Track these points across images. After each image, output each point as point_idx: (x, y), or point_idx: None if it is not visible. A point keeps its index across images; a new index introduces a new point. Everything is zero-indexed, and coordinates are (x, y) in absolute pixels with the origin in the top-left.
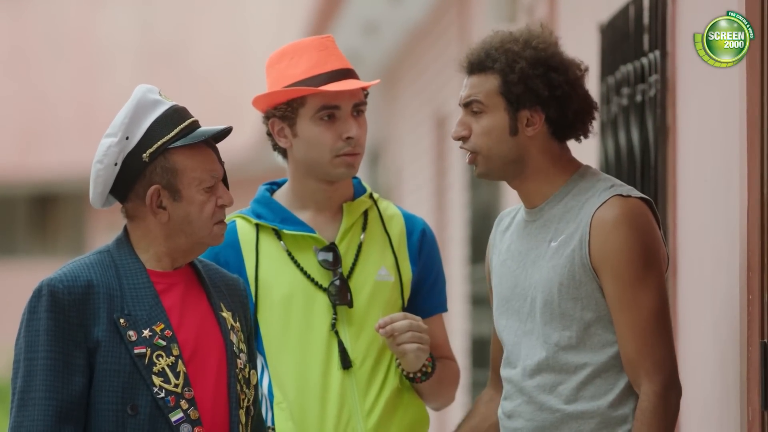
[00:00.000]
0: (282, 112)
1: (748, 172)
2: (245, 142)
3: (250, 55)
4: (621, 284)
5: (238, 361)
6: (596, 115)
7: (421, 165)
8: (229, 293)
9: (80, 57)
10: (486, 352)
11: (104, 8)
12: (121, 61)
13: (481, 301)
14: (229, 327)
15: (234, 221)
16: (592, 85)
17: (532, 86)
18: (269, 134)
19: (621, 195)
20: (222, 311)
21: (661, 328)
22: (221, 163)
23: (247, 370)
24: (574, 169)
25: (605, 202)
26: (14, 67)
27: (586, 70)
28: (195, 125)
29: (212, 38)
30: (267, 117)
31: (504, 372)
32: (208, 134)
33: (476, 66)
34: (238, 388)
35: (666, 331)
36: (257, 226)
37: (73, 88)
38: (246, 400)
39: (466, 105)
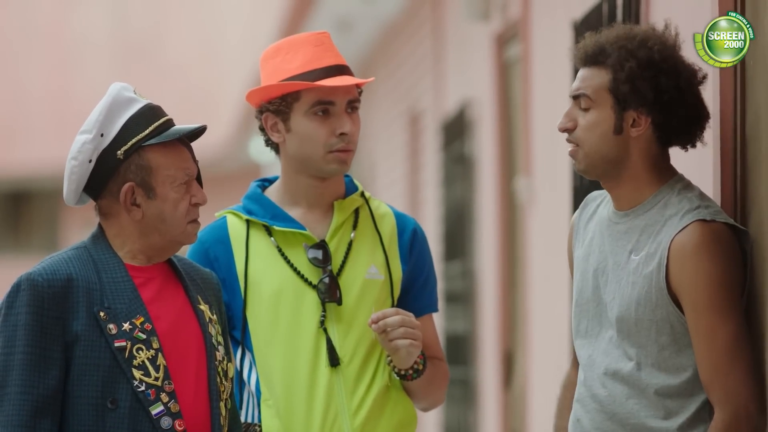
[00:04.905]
0: (276, 107)
1: (722, 170)
2: (219, 138)
3: (223, 50)
4: (697, 312)
5: (217, 353)
6: (707, 124)
7: (395, 161)
8: (204, 286)
9: (54, 52)
10: (460, 350)
11: (78, 2)
12: (95, 56)
13: (455, 298)
14: (207, 320)
15: (225, 217)
16: (566, 82)
17: (638, 87)
18: (262, 129)
19: (704, 220)
20: (200, 304)
21: (737, 358)
22: (195, 161)
23: (225, 362)
24: (667, 178)
25: (686, 227)
26: None
27: (704, 78)
28: (169, 123)
29: (186, 33)
30: (260, 111)
31: (579, 373)
32: (183, 132)
33: (590, 58)
34: (218, 380)
35: (742, 361)
36: (248, 222)
37: (47, 84)
38: (225, 393)
39: (575, 98)
